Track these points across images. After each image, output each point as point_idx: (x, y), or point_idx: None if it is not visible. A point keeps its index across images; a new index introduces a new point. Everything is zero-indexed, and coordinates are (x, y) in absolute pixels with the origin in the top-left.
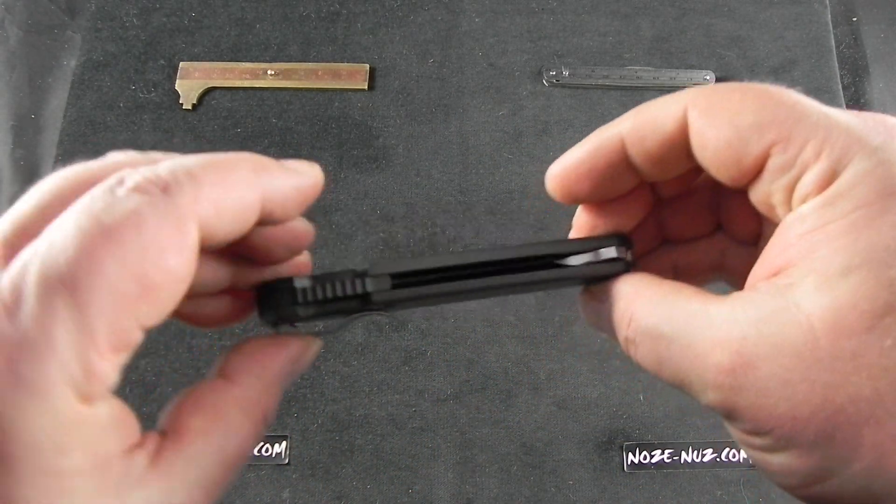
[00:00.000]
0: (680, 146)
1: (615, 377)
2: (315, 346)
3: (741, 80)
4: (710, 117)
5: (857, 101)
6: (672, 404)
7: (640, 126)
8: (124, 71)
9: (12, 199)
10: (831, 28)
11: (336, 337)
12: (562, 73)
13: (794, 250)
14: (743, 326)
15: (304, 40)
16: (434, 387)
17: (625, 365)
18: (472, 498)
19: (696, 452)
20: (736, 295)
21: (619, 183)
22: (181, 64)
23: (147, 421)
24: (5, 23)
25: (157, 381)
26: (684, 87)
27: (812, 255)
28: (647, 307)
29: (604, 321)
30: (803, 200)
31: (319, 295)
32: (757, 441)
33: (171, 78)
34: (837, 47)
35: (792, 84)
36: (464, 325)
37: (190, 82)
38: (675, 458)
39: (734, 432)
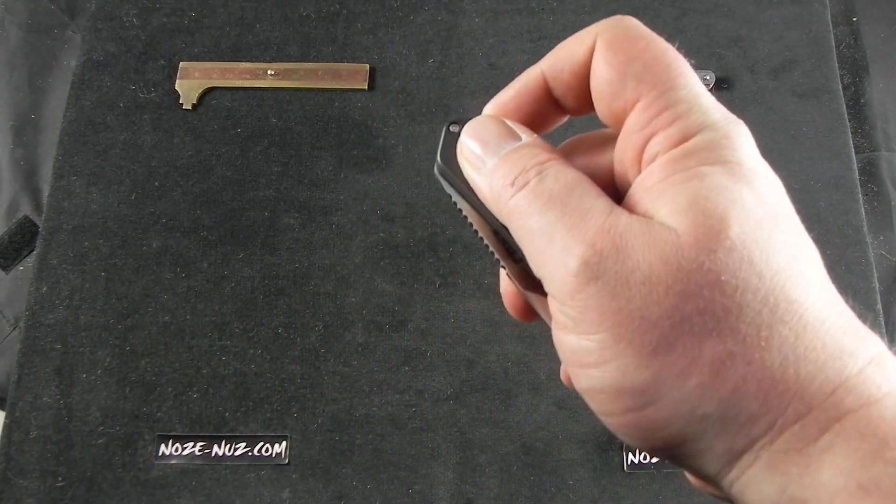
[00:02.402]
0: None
1: None
2: None
3: (742, 80)
4: (609, 52)
5: (857, 101)
6: None
7: (557, 59)
8: (124, 71)
9: (12, 199)
10: (831, 28)
11: (338, 337)
12: None
13: (646, 200)
14: (619, 217)
15: (304, 40)
16: (434, 387)
17: None
18: (472, 498)
19: None
20: None
21: (548, 119)
22: (181, 64)
23: (147, 420)
24: (5, 23)
25: (157, 381)
26: None
27: (663, 196)
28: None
29: None
30: (652, 160)
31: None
32: (591, 342)
33: (171, 78)
34: (837, 47)
35: (792, 84)
36: (464, 325)
37: (190, 82)
38: None
39: (563, 335)
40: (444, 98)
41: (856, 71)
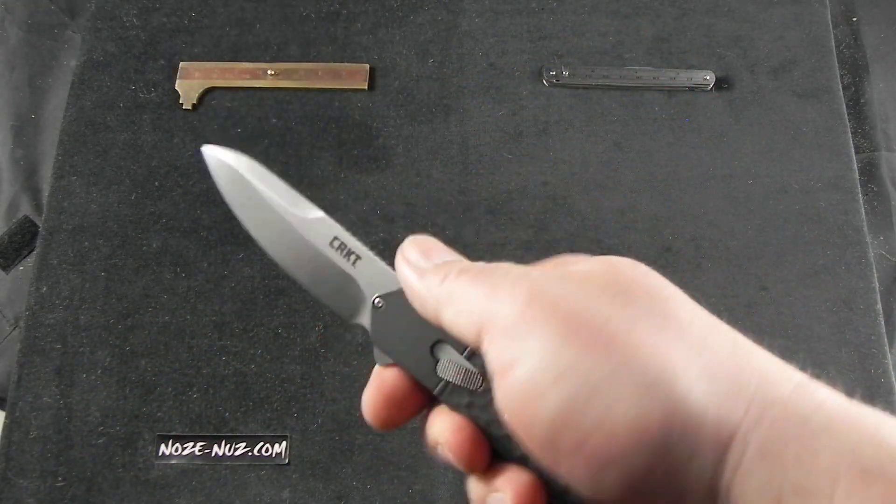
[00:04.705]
0: None
1: None
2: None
3: (742, 80)
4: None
5: (857, 101)
6: None
7: None
8: (124, 71)
9: (12, 199)
10: (831, 28)
11: (338, 337)
12: (562, 73)
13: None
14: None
15: (304, 40)
16: None
17: None
18: None
19: None
20: None
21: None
22: (181, 64)
23: (147, 420)
24: (5, 23)
25: (157, 381)
26: (684, 87)
27: (569, 264)
28: None
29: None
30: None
31: None
32: (555, 354)
33: (171, 78)
34: (837, 47)
35: (792, 84)
36: None
37: (190, 82)
38: None
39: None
40: (444, 98)
41: (856, 71)
